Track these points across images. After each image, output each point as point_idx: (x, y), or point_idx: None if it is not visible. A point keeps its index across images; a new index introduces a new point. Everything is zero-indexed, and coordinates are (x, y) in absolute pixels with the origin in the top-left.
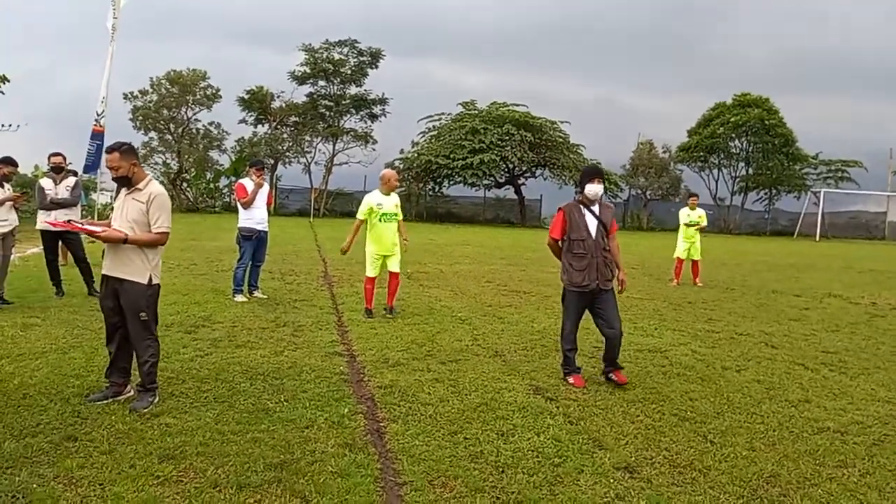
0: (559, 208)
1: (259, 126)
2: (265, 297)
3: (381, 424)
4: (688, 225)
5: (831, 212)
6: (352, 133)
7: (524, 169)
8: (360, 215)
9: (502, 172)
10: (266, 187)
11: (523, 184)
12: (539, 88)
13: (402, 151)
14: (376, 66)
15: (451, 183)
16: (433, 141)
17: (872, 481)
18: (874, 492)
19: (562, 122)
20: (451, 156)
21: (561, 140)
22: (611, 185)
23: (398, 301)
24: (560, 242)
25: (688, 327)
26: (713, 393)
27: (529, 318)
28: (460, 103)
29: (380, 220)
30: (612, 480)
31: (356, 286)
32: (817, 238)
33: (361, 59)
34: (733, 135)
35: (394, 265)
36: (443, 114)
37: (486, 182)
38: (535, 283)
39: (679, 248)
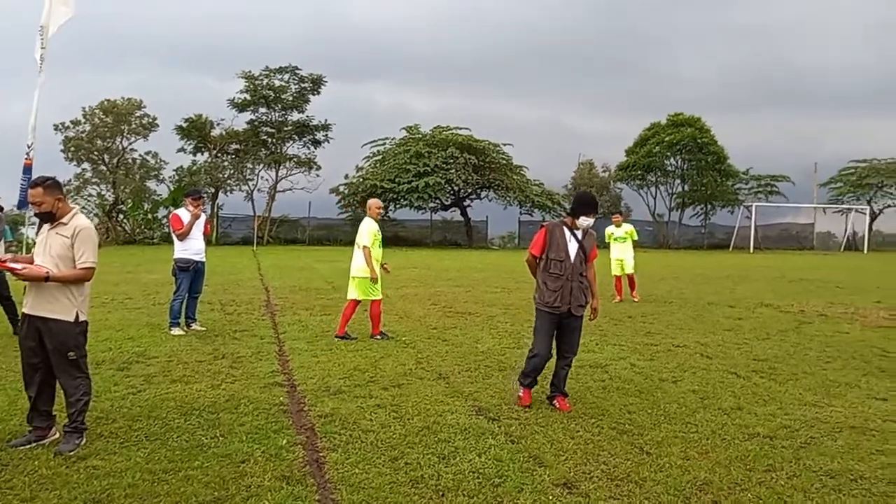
0: (542, 225)
1: (198, 154)
2: (203, 329)
3: (321, 454)
4: (615, 240)
5: (763, 224)
6: (295, 159)
7: (469, 191)
8: (368, 242)
9: (448, 195)
10: (203, 217)
11: (469, 205)
12: (482, 111)
13: (346, 176)
14: (318, 93)
15: (398, 206)
16: (378, 165)
17: (798, 483)
18: (800, 493)
19: (504, 144)
20: (397, 179)
21: (504, 162)
22: (554, 204)
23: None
24: (538, 260)
25: (627, 341)
26: (650, 405)
27: (474, 339)
28: (404, 128)
29: (377, 246)
30: (550, 497)
31: (299, 314)
32: (751, 250)
33: (303, 85)
34: (668, 153)
35: (379, 292)
36: (387, 138)
37: (432, 205)
38: (480, 304)
39: (613, 266)
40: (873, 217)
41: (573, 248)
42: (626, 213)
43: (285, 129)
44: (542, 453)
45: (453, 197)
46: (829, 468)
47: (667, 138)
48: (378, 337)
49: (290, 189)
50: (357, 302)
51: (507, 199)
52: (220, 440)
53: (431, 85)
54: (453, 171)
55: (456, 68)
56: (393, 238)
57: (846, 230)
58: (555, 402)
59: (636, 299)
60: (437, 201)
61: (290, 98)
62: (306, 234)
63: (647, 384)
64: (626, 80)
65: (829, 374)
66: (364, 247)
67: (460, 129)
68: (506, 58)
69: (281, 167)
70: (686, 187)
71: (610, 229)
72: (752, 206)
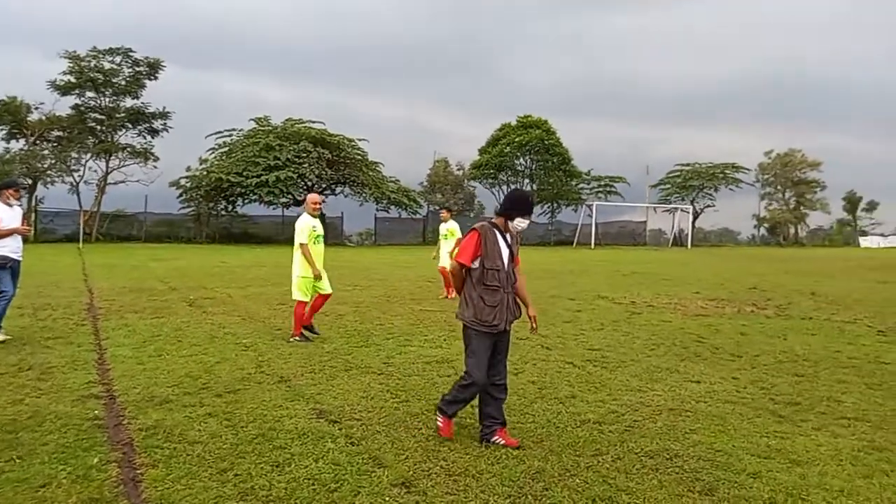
0: (473, 228)
1: (13, 141)
2: (9, 337)
3: (139, 472)
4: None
5: (603, 222)
6: (129, 149)
7: (323, 186)
8: (306, 239)
9: (301, 190)
10: (18, 210)
11: (324, 201)
12: (338, 105)
13: (188, 169)
14: (155, 78)
15: (246, 202)
16: (224, 158)
17: (622, 465)
18: (622, 475)
19: (360, 140)
20: (245, 173)
21: (360, 157)
22: (410, 201)
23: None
24: (466, 270)
25: None
26: None
27: (320, 338)
28: (253, 119)
29: (314, 242)
30: (387, 498)
31: (126, 318)
32: (593, 246)
33: (138, 69)
34: (518, 153)
35: (328, 287)
36: (234, 129)
37: (283, 200)
38: (330, 303)
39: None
40: (696, 216)
41: (506, 253)
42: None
43: (117, 115)
44: (383, 454)
45: (306, 192)
46: (649, 449)
47: (517, 139)
48: (297, 338)
49: (124, 181)
50: (305, 302)
51: (363, 195)
52: (17, 463)
53: (286, 76)
54: (306, 165)
55: (312, 61)
56: (242, 235)
57: (673, 227)
58: (495, 437)
59: (452, 297)
60: (289, 196)
61: (123, 82)
62: (143, 231)
63: None
64: (481, 81)
65: (652, 361)
66: (301, 244)
67: (314, 122)
68: (364, 54)
69: (112, 157)
70: (535, 186)
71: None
72: (593, 205)
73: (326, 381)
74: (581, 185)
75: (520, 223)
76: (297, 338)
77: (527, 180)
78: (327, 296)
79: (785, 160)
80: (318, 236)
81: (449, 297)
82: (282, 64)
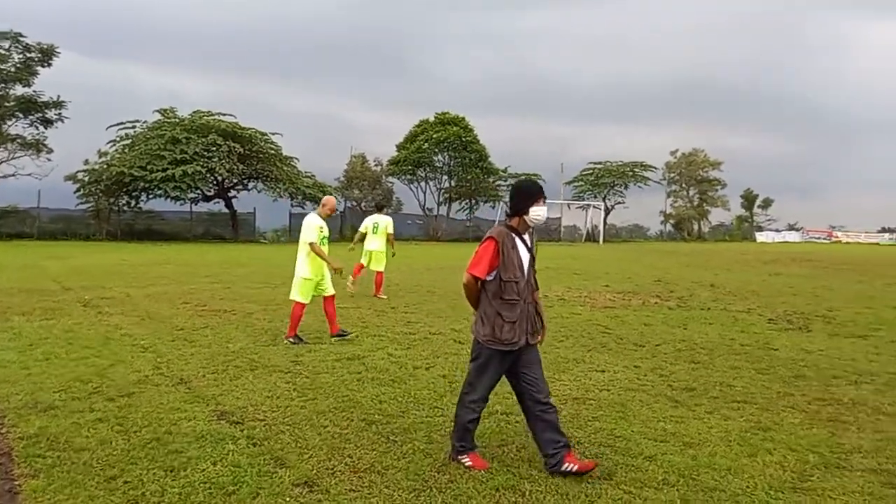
0: (489, 236)
1: None
2: None
3: (16, 483)
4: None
5: None
6: (19, 140)
7: (235, 181)
8: (315, 238)
9: (210, 185)
10: None
11: (234, 197)
12: (250, 98)
13: (87, 162)
14: (49, 65)
15: (151, 197)
16: (126, 151)
17: (527, 455)
18: (526, 464)
19: (273, 134)
20: (149, 167)
21: (273, 152)
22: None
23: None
24: (481, 283)
25: (388, 332)
26: (402, 393)
27: (226, 338)
28: (158, 110)
29: (321, 243)
30: (288, 499)
31: (12, 320)
32: None
33: (29, 55)
34: (437, 150)
35: (330, 287)
36: (137, 121)
37: (192, 195)
38: (239, 301)
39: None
40: (607, 212)
41: (526, 260)
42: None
43: (6, 104)
44: (286, 454)
45: (216, 187)
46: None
47: (435, 135)
48: (291, 340)
49: (14, 175)
50: (304, 304)
51: (277, 190)
52: None
53: (199, 68)
54: (216, 159)
55: (226, 53)
56: (146, 231)
57: (586, 224)
58: (566, 465)
59: (382, 296)
60: (198, 192)
61: (12, 69)
62: (36, 227)
63: (401, 372)
64: (399, 77)
65: (561, 352)
66: (311, 243)
67: (224, 115)
68: (279, 47)
69: (0, 149)
70: (453, 183)
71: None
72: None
73: (230, 381)
74: (499, 183)
75: (537, 213)
76: (290, 339)
77: (445, 177)
78: (332, 297)
79: (689, 160)
80: (324, 237)
81: (350, 288)
82: (194, 55)
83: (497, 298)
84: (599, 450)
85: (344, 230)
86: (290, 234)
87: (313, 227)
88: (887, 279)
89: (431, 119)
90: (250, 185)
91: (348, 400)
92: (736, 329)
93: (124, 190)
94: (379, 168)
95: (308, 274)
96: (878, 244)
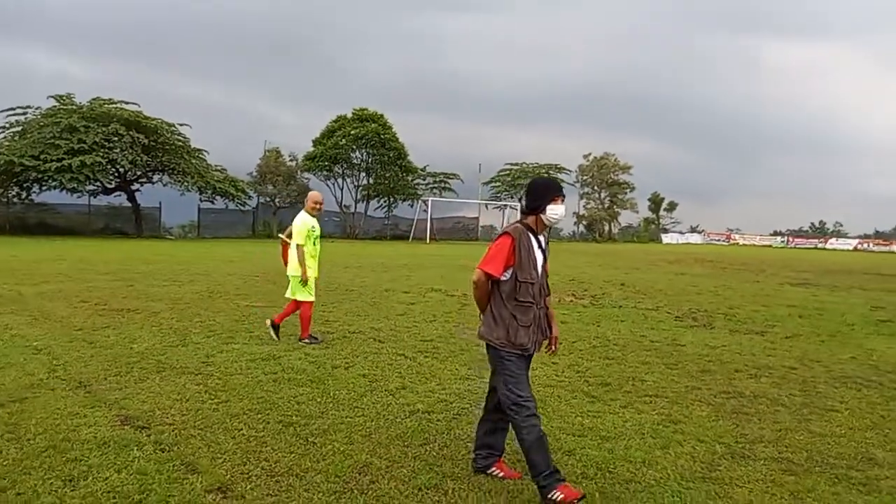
0: (506, 232)
1: None
2: None
3: None
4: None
5: (439, 217)
6: None
7: (138, 174)
8: (302, 240)
9: (111, 177)
10: None
11: (138, 190)
12: (157, 89)
13: None
14: None
15: (44, 188)
16: (16, 139)
17: (449, 452)
18: (449, 462)
19: (181, 125)
20: (42, 156)
21: (181, 143)
22: (238, 192)
23: None
24: (493, 282)
25: None
26: (320, 393)
27: (129, 338)
28: (52, 96)
29: (312, 242)
30: None
31: None
32: (428, 241)
33: None
34: (354, 146)
35: (311, 294)
36: (29, 107)
37: (91, 188)
38: (143, 300)
39: None
40: (523, 213)
41: (540, 261)
42: None
43: None
44: (197, 459)
45: (118, 179)
46: (473, 435)
47: (352, 132)
48: (306, 341)
49: None
50: (310, 303)
51: (185, 184)
52: None
53: (99, 54)
54: (118, 150)
55: (132, 39)
56: (39, 225)
57: (503, 224)
58: (493, 469)
59: None
60: (98, 184)
61: None
62: None
63: (320, 372)
64: (316, 72)
65: (481, 350)
66: (298, 246)
67: (127, 103)
68: (189, 35)
69: None
70: (371, 180)
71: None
72: (428, 200)
73: (134, 384)
74: (417, 181)
75: (554, 212)
76: (305, 340)
77: (363, 174)
78: (310, 303)
79: (601, 163)
80: (316, 237)
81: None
82: (95, 39)
83: (511, 300)
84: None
85: (256, 227)
86: (199, 230)
87: (303, 228)
88: (780, 279)
89: (349, 115)
90: (155, 177)
91: (264, 401)
92: (646, 326)
93: (14, 180)
94: (294, 163)
95: (294, 273)
96: (770, 246)
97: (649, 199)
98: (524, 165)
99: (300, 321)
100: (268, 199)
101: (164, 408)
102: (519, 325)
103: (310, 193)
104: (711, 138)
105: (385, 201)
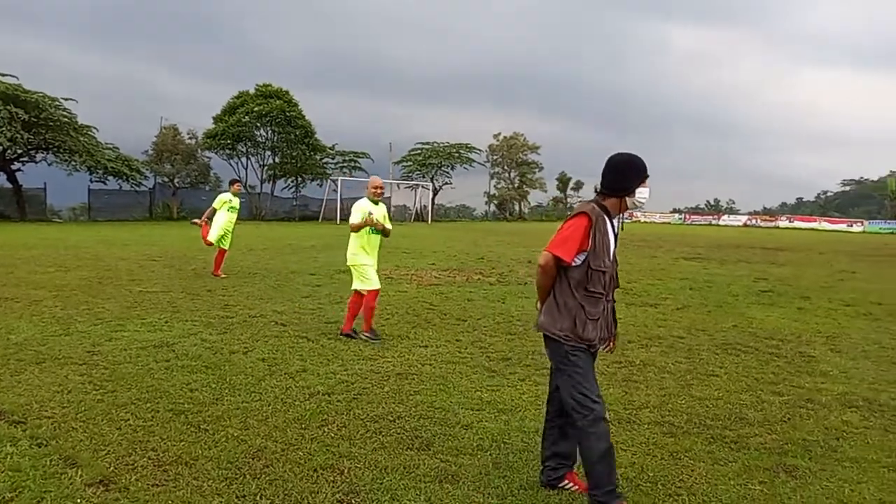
0: (582, 213)
1: None
2: None
3: None
4: (231, 209)
5: (349, 197)
6: None
7: (19, 152)
8: (359, 219)
9: None
10: None
11: (19, 170)
12: (38, 60)
13: None
14: None
15: None
16: None
17: (347, 433)
18: (346, 442)
19: (66, 100)
20: None
21: (66, 120)
22: (132, 172)
23: None
24: (563, 268)
25: (202, 316)
26: (216, 379)
27: (6, 329)
28: None
29: (370, 230)
30: (80, 500)
31: None
32: (338, 221)
33: None
34: (258, 124)
35: (376, 281)
36: None
37: None
38: (23, 287)
39: (217, 237)
40: (435, 192)
41: (613, 247)
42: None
43: None
44: (78, 452)
45: None
46: (374, 414)
47: (256, 108)
48: (368, 335)
49: None
50: (374, 291)
51: (73, 163)
52: None
53: None
54: None
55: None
56: None
57: (415, 203)
58: (565, 482)
59: (224, 276)
60: None
61: None
62: None
63: (216, 358)
64: (217, 45)
65: (386, 329)
66: (352, 225)
67: (3, 75)
68: (78, 2)
69: None
70: (277, 159)
71: (227, 196)
72: (338, 180)
73: (10, 377)
74: (326, 160)
75: (643, 195)
76: (367, 334)
77: (268, 153)
78: (375, 292)
79: (510, 143)
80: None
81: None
82: None
83: (581, 289)
84: (419, 422)
85: (154, 208)
86: (91, 212)
87: (360, 209)
88: (675, 254)
89: (252, 91)
90: (39, 156)
91: (154, 390)
92: None
93: None
94: (194, 141)
95: (355, 260)
96: (669, 223)
97: (557, 179)
98: (435, 145)
99: (363, 311)
100: (166, 179)
101: (43, 401)
102: (587, 318)
103: (371, 178)
104: (618, 119)
105: (293, 181)
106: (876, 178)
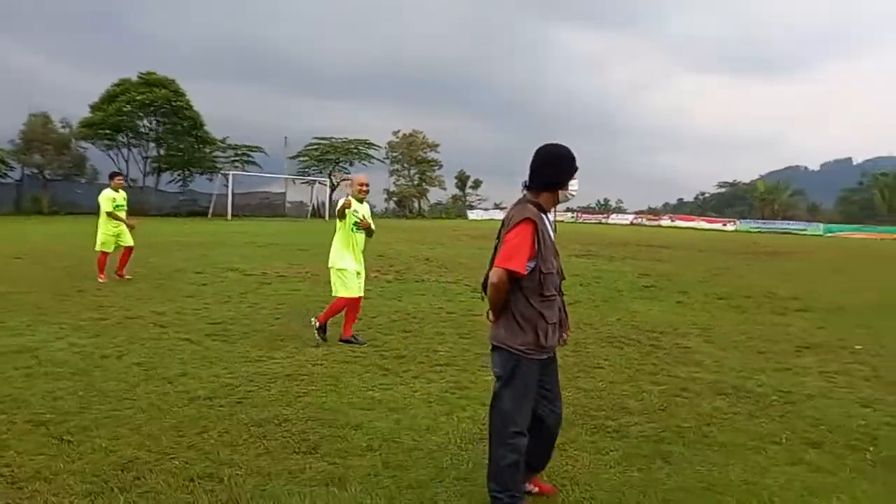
0: (526, 218)
1: None
2: None
3: None
4: (117, 207)
5: (242, 193)
6: None
7: None
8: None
9: None
10: None
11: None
12: None
13: None
14: None
15: None
16: None
17: (229, 439)
18: (227, 448)
19: None
20: None
21: None
22: None
23: None
24: (514, 278)
25: (72, 319)
26: (84, 386)
27: None
28: None
29: (353, 228)
30: None
31: None
32: (230, 217)
33: None
34: (142, 114)
35: (360, 287)
36: None
37: None
38: None
39: (105, 241)
40: (333, 188)
41: (552, 246)
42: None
43: None
44: None
45: None
46: (259, 418)
47: (139, 97)
48: (318, 330)
49: None
50: (346, 299)
51: None
52: None
53: None
54: None
55: None
56: None
57: (312, 199)
58: (528, 486)
59: (129, 276)
60: None
61: None
62: None
63: (85, 364)
64: (96, 31)
65: (276, 329)
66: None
67: None
68: None
69: None
70: (162, 152)
71: (110, 193)
72: (229, 174)
73: None
74: (216, 153)
75: (575, 188)
76: (318, 326)
77: (152, 144)
78: (357, 299)
79: (409, 140)
80: (355, 223)
81: (102, 278)
82: None
83: (536, 296)
84: (307, 425)
85: (22, 202)
86: None
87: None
88: (568, 251)
89: (134, 79)
90: None
91: (11, 400)
92: (444, 298)
93: None
94: (68, 130)
95: (341, 264)
96: (562, 221)
97: (456, 177)
98: (333, 140)
99: (327, 306)
100: (35, 170)
101: None
102: (547, 324)
103: (355, 176)
104: (516, 119)
105: (179, 175)
106: (748, 181)
